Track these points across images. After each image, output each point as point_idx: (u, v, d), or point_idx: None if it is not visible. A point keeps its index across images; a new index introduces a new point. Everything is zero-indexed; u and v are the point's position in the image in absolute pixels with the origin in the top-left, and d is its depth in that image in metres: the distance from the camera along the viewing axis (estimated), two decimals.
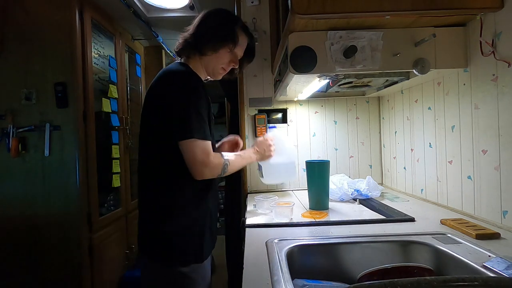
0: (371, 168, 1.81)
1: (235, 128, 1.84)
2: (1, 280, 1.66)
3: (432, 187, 1.32)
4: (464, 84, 1.09)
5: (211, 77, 1.10)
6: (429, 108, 1.32)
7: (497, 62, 0.93)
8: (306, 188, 1.33)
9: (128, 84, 2.41)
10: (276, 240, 0.91)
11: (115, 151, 2.08)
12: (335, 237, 0.94)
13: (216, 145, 1.19)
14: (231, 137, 1.25)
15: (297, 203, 1.41)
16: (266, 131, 1.29)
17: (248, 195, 1.68)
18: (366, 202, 1.36)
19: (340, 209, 1.28)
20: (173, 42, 2.68)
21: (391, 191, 1.62)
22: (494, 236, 0.86)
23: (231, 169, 1.01)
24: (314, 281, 0.81)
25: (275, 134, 1.29)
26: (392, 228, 1.01)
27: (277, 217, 1.13)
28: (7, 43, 1.67)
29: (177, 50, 1.05)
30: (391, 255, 0.89)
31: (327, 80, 1.22)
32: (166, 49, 2.76)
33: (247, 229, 1.06)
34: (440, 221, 1.03)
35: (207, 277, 1.00)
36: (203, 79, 1.08)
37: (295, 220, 1.13)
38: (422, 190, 1.40)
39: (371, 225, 1.05)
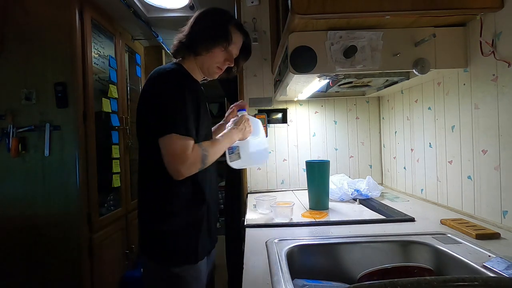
0: (371, 168, 1.81)
1: None
2: (1, 280, 1.66)
3: (432, 187, 1.32)
4: (464, 84, 1.09)
5: (207, 77, 1.10)
6: (429, 108, 1.32)
7: (497, 62, 0.93)
8: (306, 188, 1.33)
9: (128, 84, 2.41)
10: (276, 240, 0.91)
11: (115, 151, 2.08)
12: (335, 237, 0.94)
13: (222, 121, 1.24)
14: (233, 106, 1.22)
15: (297, 203, 1.41)
16: (238, 115, 1.19)
17: (248, 195, 1.68)
18: (366, 202, 1.36)
19: (340, 209, 1.28)
20: (173, 42, 2.69)
21: (391, 191, 1.62)
22: (494, 236, 0.86)
23: (213, 157, 0.97)
24: (314, 281, 0.81)
25: (246, 114, 1.20)
26: (392, 228, 1.01)
27: (277, 217, 1.13)
28: (7, 43, 1.67)
29: (173, 51, 1.05)
30: (391, 255, 0.89)
31: (327, 80, 1.22)
32: (166, 49, 2.76)
33: (247, 229, 1.06)
34: (440, 221, 1.03)
35: (201, 278, 0.98)
36: (199, 80, 1.09)
37: (295, 220, 1.13)
38: (422, 190, 1.40)
39: (371, 225, 1.05)
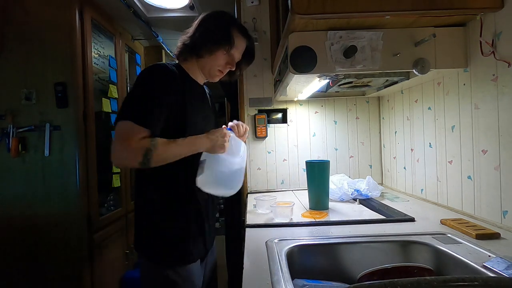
0: (371, 168, 1.81)
1: None
2: (1, 280, 1.66)
3: (432, 187, 1.32)
4: (464, 84, 1.09)
5: (208, 79, 1.10)
6: (429, 108, 1.32)
7: (497, 62, 0.93)
8: (306, 188, 1.33)
9: (128, 84, 2.41)
10: (276, 240, 0.91)
11: None
12: (335, 237, 0.94)
13: None
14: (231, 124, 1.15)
15: (297, 203, 1.41)
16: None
17: (248, 195, 1.68)
18: (366, 202, 1.36)
19: (340, 209, 1.28)
20: (173, 42, 2.69)
21: (391, 191, 1.62)
22: (494, 236, 0.86)
23: (162, 156, 0.88)
24: (314, 281, 0.81)
25: (233, 135, 1.07)
26: (392, 228, 1.01)
27: (277, 217, 1.13)
28: (7, 43, 1.67)
29: (176, 53, 1.05)
30: (391, 255, 0.89)
31: (327, 80, 1.22)
32: (166, 49, 2.76)
33: (247, 229, 1.06)
34: (440, 221, 1.03)
35: (192, 280, 0.97)
36: (200, 81, 1.10)
37: (295, 220, 1.13)
38: (422, 190, 1.40)
39: (371, 225, 1.05)
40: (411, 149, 1.48)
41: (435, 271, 0.78)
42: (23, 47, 1.67)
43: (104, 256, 1.87)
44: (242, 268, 0.74)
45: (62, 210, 1.67)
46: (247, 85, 1.76)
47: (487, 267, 0.69)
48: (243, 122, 1.73)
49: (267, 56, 1.76)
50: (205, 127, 1.07)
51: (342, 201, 1.40)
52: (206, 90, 1.22)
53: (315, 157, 1.79)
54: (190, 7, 2.06)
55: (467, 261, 0.74)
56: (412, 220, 1.08)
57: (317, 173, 1.28)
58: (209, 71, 1.05)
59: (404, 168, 1.56)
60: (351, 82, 1.31)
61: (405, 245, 0.89)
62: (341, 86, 1.36)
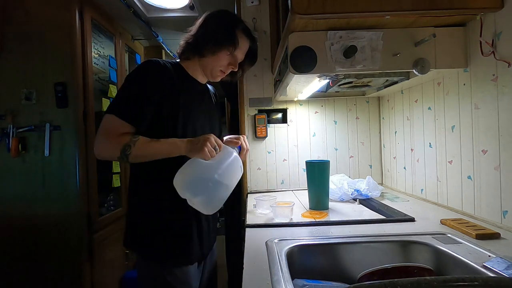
0: (371, 168, 1.81)
1: (235, 128, 1.84)
2: (1, 280, 1.66)
3: (432, 187, 1.32)
4: (464, 84, 1.09)
5: (209, 79, 1.09)
6: (429, 108, 1.32)
7: (497, 62, 0.93)
8: (306, 188, 1.33)
9: None
10: (276, 240, 0.91)
11: None
12: (335, 237, 0.94)
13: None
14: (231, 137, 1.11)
15: (297, 203, 1.41)
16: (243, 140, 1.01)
17: (248, 195, 1.68)
18: (366, 202, 1.36)
19: (340, 209, 1.28)
20: (173, 42, 2.69)
21: (391, 191, 1.62)
22: (494, 236, 0.86)
23: (140, 152, 0.86)
24: (314, 281, 0.81)
25: (231, 150, 0.96)
26: (392, 228, 1.01)
27: (277, 217, 1.13)
28: (7, 43, 1.67)
29: (179, 52, 1.04)
30: (391, 255, 0.89)
31: (327, 80, 1.22)
32: (166, 49, 2.76)
33: (247, 229, 1.06)
34: (440, 221, 1.03)
35: (189, 282, 0.96)
36: (201, 81, 1.09)
37: (295, 220, 1.13)
38: (422, 190, 1.40)
39: (371, 225, 1.05)
40: (411, 149, 1.48)
41: (435, 271, 0.78)
42: (23, 47, 1.67)
43: (104, 256, 1.87)
44: (242, 268, 0.74)
45: (62, 210, 1.67)
46: (247, 85, 1.76)
47: (487, 267, 0.69)
48: (243, 122, 1.74)
49: (267, 56, 1.76)
50: (205, 126, 1.06)
51: (342, 201, 1.40)
52: (210, 89, 1.20)
53: (315, 157, 1.79)
54: (190, 7, 2.06)
55: (467, 261, 0.73)
56: (412, 220, 1.08)
57: (317, 173, 1.28)
58: (211, 71, 1.04)
59: (404, 168, 1.56)
60: (351, 82, 1.31)
61: (405, 245, 0.89)
62: (341, 86, 1.36)
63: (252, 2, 1.73)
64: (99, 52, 2.01)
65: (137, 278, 0.99)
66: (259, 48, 1.73)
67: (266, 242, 0.90)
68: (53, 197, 1.67)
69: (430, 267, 0.77)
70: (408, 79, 1.23)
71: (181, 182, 0.86)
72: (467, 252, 0.78)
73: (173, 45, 2.74)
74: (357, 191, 1.41)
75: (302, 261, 0.88)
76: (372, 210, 1.25)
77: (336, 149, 1.81)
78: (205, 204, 0.87)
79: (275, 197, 1.33)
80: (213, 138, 0.89)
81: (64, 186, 1.67)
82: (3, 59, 1.67)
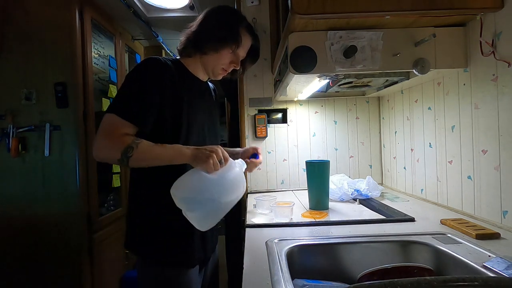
0: (371, 168, 1.81)
1: (235, 128, 1.84)
2: (1, 280, 1.66)
3: (432, 187, 1.32)
4: (464, 84, 1.09)
5: (211, 77, 1.07)
6: (429, 108, 1.32)
7: (497, 62, 0.93)
8: (306, 188, 1.33)
9: None
10: (276, 240, 0.91)
11: None
12: (335, 237, 0.94)
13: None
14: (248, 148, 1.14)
15: (297, 203, 1.41)
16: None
17: (248, 195, 1.68)
18: (366, 202, 1.36)
19: (340, 209, 1.28)
20: (173, 42, 2.69)
21: (391, 191, 1.62)
22: (494, 236, 0.86)
23: (142, 156, 0.82)
24: (314, 281, 0.81)
25: (236, 166, 0.92)
26: (392, 228, 1.01)
27: (277, 217, 1.13)
28: (7, 43, 1.67)
29: (180, 48, 1.01)
30: (391, 255, 0.89)
31: (327, 80, 1.22)
32: (166, 49, 2.76)
33: (247, 229, 1.06)
34: (440, 221, 1.03)
35: (189, 285, 0.94)
36: (202, 78, 1.07)
37: (295, 220, 1.13)
38: (422, 190, 1.40)
39: (371, 225, 1.05)
40: (411, 149, 1.48)
41: (435, 271, 0.78)
42: (23, 47, 1.67)
43: (104, 256, 1.87)
44: (242, 268, 0.74)
45: (62, 210, 1.67)
46: (247, 85, 1.76)
47: (487, 267, 0.69)
48: (243, 122, 1.74)
49: (267, 56, 1.75)
50: (205, 124, 1.04)
51: (342, 201, 1.40)
52: (211, 86, 1.18)
53: (315, 157, 1.79)
54: (190, 7, 2.06)
55: (467, 261, 0.74)
56: (412, 220, 1.08)
57: (317, 173, 1.28)
58: (212, 69, 1.02)
59: (404, 168, 1.56)
60: (351, 82, 1.31)
61: (405, 245, 0.89)
62: (341, 86, 1.36)
63: (252, 2, 1.73)
64: (99, 52, 2.01)
65: (137, 278, 0.98)
66: (259, 48, 1.74)
67: (266, 242, 0.90)
68: (53, 197, 1.67)
69: (430, 267, 0.77)
70: (408, 79, 1.23)
71: (178, 193, 0.81)
72: (467, 252, 0.78)
73: (173, 45, 2.74)
74: (357, 191, 1.41)
75: (302, 261, 0.88)
76: (372, 210, 1.25)
77: (336, 149, 1.81)
78: (200, 219, 0.84)
79: (275, 197, 1.33)
80: (220, 150, 0.85)
81: (64, 186, 1.67)
82: (3, 59, 1.67)
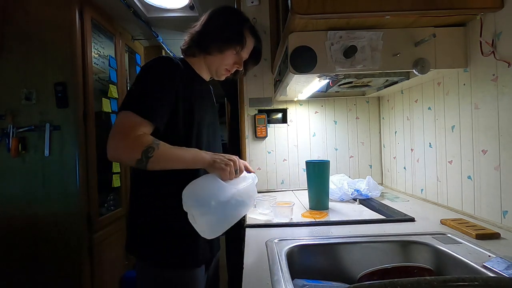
0: (371, 168, 1.81)
1: (235, 128, 1.84)
2: (1, 280, 1.66)
3: (432, 187, 1.32)
4: (464, 84, 1.09)
5: (214, 77, 1.08)
6: (429, 108, 1.32)
7: (497, 62, 0.93)
8: (306, 188, 1.33)
9: (128, 84, 2.41)
10: (276, 240, 0.91)
11: None
12: (335, 237, 0.94)
13: None
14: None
15: (297, 203, 1.41)
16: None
17: None
18: (366, 202, 1.36)
19: (340, 209, 1.28)
20: (173, 42, 2.69)
21: (391, 191, 1.62)
22: (494, 236, 0.86)
23: (162, 158, 0.79)
24: (314, 281, 0.81)
25: (251, 177, 0.94)
26: (392, 228, 1.01)
27: (277, 217, 1.13)
28: (7, 43, 1.67)
29: (184, 48, 1.02)
30: (391, 255, 0.89)
31: (327, 80, 1.22)
32: (166, 49, 2.76)
33: (247, 229, 1.06)
34: (440, 221, 1.03)
35: (194, 285, 0.93)
36: (206, 78, 1.07)
37: (295, 220, 1.13)
38: (422, 190, 1.40)
39: (371, 225, 1.05)
40: (411, 149, 1.48)
41: (435, 271, 0.78)
42: (23, 47, 1.67)
43: (104, 256, 1.87)
44: (242, 268, 0.74)
45: (62, 210, 1.67)
46: (247, 85, 1.76)
47: (487, 267, 0.69)
48: (243, 122, 1.74)
49: (267, 56, 1.75)
50: (210, 124, 1.05)
51: (342, 201, 1.40)
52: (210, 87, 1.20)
53: (315, 157, 1.79)
54: (190, 7, 2.06)
55: (467, 261, 0.74)
56: (412, 220, 1.08)
57: (317, 173, 1.28)
58: (216, 69, 1.03)
59: (404, 168, 1.56)
60: (351, 82, 1.31)
61: (405, 245, 0.89)
62: (341, 86, 1.36)
63: (252, 2, 1.73)
64: (99, 52, 2.02)
65: (136, 279, 0.96)
66: None
67: (266, 242, 0.90)
68: (53, 197, 1.67)
69: (430, 267, 0.77)
70: (408, 79, 1.23)
71: (191, 195, 0.78)
72: (467, 252, 0.78)
73: (173, 45, 2.74)
74: (357, 191, 1.41)
75: (302, 261, 0.88)
76: (372, 210, 1.25)
77: (336, 149, 1.81)
78: (209, 225, 0.81)
79: (275, 197, 1.33)
80: (238, 160, 0.86)
81: (64, 186, 1.68)
82: (3, 59, 1.67)
